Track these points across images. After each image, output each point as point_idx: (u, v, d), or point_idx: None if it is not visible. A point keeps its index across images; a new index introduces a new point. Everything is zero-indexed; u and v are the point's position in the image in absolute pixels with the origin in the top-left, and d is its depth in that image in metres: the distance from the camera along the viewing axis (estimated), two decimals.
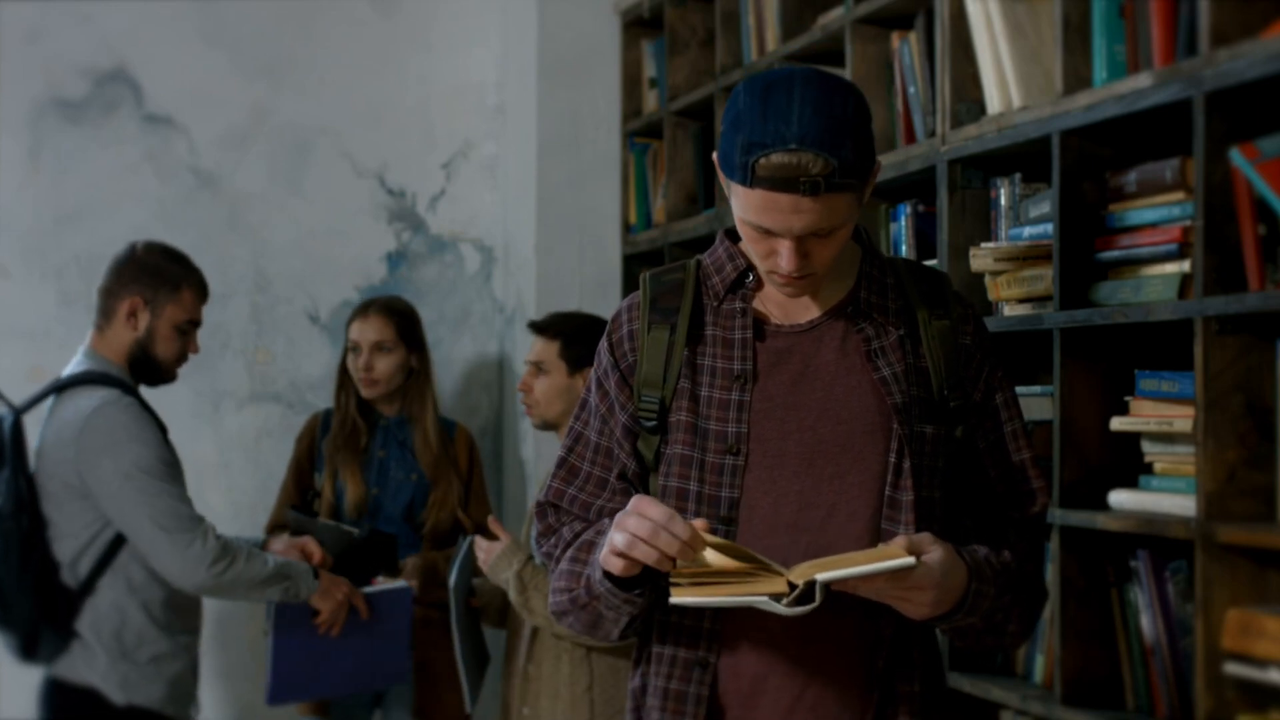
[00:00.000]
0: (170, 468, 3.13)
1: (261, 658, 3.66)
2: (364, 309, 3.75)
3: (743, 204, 1.86)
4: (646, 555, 1.79)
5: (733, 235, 2.04)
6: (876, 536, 1.90)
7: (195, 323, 3.30)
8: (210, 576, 3.08)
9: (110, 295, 3.23)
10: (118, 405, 3.10)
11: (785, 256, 1.86)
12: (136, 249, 3.28)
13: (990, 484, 1.99)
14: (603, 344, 2.05)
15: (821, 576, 1.74)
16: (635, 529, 1.79)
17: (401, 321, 3.73)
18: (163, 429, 3.19)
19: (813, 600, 1.75)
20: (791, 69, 1.89)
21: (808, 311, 1.98)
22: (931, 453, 1.92)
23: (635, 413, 1.98)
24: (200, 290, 3.32)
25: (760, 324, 1.98)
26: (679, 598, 1.76)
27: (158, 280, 3.23)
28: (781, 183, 1.80)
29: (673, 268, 2.05)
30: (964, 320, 2.00)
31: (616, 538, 1.82)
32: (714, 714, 1.94)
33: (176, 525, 3.07)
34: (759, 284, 1.99)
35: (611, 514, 1.99)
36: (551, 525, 2.05)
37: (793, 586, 1.75)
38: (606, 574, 1.88)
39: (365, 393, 3.70)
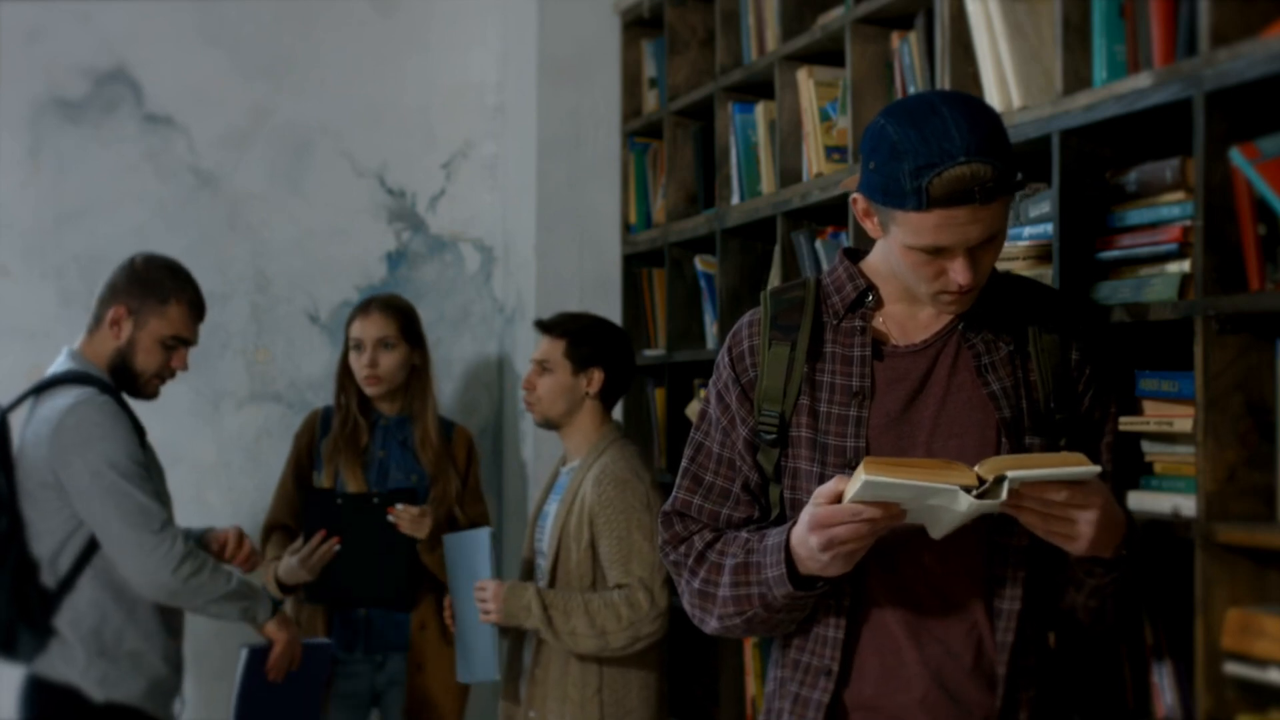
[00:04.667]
0: (141, 467, 3.10)
1: None
2: (365, 307, 3.74)
3: (914, 229, 1.89)
4: (860, 533, 1.84)
5: (852, 255, 2.08)
6: (990, 549, 1.97)
7: (183, 340, 3.27)
8: (176, 580, 3.06)
9: (101, 303, 3.23)
10: (91, 403, 3.09)
11: (960, 271, 1.90)
12: (135, 261, 3.27)
13: None
14: (722, 358, 2.09)
15: (1012, 473, 1.77)
16: (847, 534, 1.83)
17: (403, 318, 3.73)
18: (140, 430, 3.18)
19: (1000, 496, 1.78)
20: (921, 94, 1.93)
21: (924, 330, 2.02)
22: None
23: (756, 426, 2.03)
24: (193, 308, 3.28)
25: (878, 343, 2.02)
26: (872, 474, 1.76)
27: (146, 292, 3.21)
28: (959, 195, 1.84)
29: (792, 286, 2.10)
30: (1074, 334, 2.05)
31: (830, 555, 1.85)
32: (837, 718, 2.00)
33: (144, 524, 3.05)
34: (878, 303, 2.04)
35: (739, 524, 2.06)
36: (679, 534, 2.10)
37: (982, 482, 1.78)
38: (792, 581, 1.92)
39: (369, 390, 3.69)
